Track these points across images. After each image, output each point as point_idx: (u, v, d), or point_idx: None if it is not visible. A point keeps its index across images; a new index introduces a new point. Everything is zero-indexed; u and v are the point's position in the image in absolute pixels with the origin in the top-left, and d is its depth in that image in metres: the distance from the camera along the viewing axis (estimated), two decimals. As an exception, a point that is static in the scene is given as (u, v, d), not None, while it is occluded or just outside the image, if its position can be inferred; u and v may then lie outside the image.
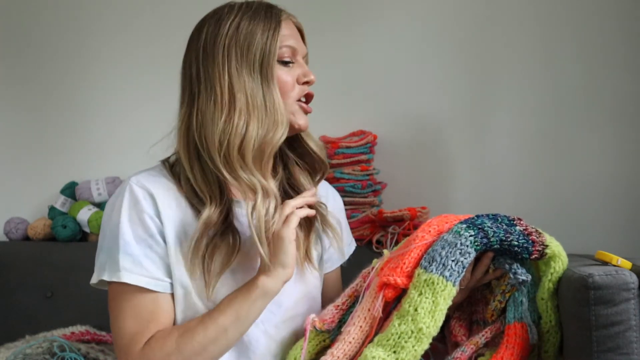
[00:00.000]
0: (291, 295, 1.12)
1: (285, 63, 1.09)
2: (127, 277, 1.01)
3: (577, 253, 1.37)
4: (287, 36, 1.09)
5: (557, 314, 1.01)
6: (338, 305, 1.10)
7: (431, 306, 0.95)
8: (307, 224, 1.16)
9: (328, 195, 1.27)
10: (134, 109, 2.03)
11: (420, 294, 0.96)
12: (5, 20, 2.11)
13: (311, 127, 1.84)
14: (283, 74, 1.08)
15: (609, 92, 1.71)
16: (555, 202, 1.73)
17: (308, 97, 1.13)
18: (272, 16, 1.08)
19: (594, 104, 1.72)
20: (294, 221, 1.04)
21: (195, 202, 1.06)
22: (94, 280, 1.07)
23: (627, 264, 0.98)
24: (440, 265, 0.97)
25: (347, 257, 1.28)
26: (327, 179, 1.76)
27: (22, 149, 2.10)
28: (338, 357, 0.99)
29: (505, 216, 1.06)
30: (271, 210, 1.04)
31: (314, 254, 1.18)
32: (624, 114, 1.70)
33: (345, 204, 1.73)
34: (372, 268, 1.10)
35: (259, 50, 1.05)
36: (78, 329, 1.64)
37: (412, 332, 0.94)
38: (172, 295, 1.06)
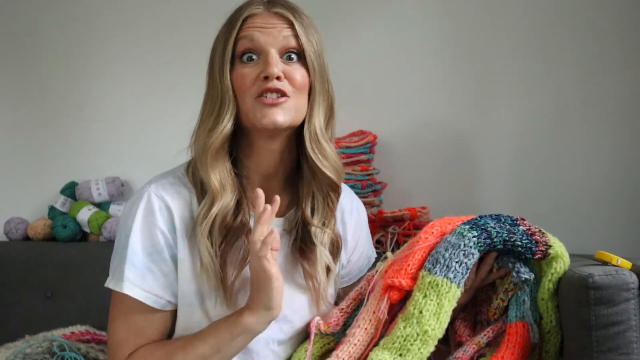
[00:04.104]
0: (304, 317, 1.11)
1: (244, 61, 1.03)
2: (128, 289, 1.02)
3: (577, 253, 1.37)
4: (248, 30, 1.03)
5: (557, 314, 1.01)
6: (342, 309, 1.10)
7: (436, 308, 0.95)
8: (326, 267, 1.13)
9: (352, 208, 1.24)
10: (134, 109, 2.03)
11: (425, 296, 0.96)
12: (5, 20, 2.11)
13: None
14: (240, 71, 1.03)
15: (609, 93, 1.71)
16: (555, 202, 1.73)
17: (267, 91, 1.01)
18: (233, 16, 1.06)
19: (594, 104, 1.72)
20: (268, 255, 0.95)
21: None
22: (107, 282, 1.07)
23: (627, 264, 0.98)
24: (444, 267, 0.97)
25: (365, 271, 1.26)
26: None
27: (22, 149, 2.10)
28: (343, 359, 0.99)
29: (508, 216, 1.06)
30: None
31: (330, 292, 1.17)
32: (624, 114, 1.70)
33: (345, 204, 1.74)
34: (376, 271, 1.10)
35: (218, 54, 1.05)
36: (78, 328, 1.64)
37: (418, 334, 0.94)
38: (170, 312, 1.06)
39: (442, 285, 0.96)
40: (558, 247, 1.02)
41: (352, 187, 1.73)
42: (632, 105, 1.69)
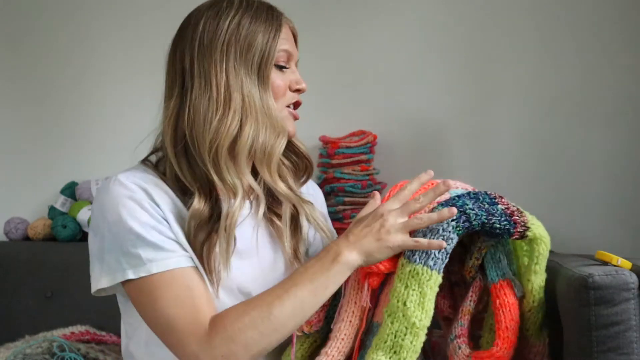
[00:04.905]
0: None
1: (280, 67, 1.07)
2: (156, 267, 0.96)
3: (577, 253, 1.37)
4: (284, 40, 1.07)
5: (541, 293, 1.00)
6: None
7: (419, 298, 0.93)
8: (293, 222, 1.13)
9: (309, 187, 1.24)
10: (134, 109, 2.03)
11: (407, 286, 0.94)
12: (5, 20, 2.11)
13: (311, 127, 1.85)
14: (277, 79, 1.06)
15: (609, 92, 1.71)
16: (555, 202, 1.73)
17: (296, 105, 1.12)
18: (274, 18, 1.07)
19: (594, 104, 1.72)
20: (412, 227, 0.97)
21: (186, 197, 1.03)
22: (103, 284, 0.99)
23: (627, 264, 0.98)
24: (424, 254, 0.95)
25: None
26: (327, 179, 1.77)
27: (22, 149, 2.10)
28: (333, 356, 0.98)
29: (486, 194, 1.03)
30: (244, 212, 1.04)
31: (302, 249, 1.15)
32: (624, 113, 1.70)
33: (345, 204, 1.74)
34: None
35: (259, 51, 1.03)
36: (78, 329, 1.64)
37: (407, 328, 0.93)
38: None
39: (422, 274, 0.94)
40: (536, 229, 0.99)
41: (352, 187, 1.73)
42: (632, 106, 1.69)
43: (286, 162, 1.15)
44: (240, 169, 1.03)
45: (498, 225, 0.98)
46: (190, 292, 0.98)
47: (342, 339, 0.99)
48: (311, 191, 1.25)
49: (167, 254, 0.98)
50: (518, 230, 0.98)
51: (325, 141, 1.80)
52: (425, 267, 0.94)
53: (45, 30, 2.09)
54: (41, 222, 1.97)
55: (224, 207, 1.02)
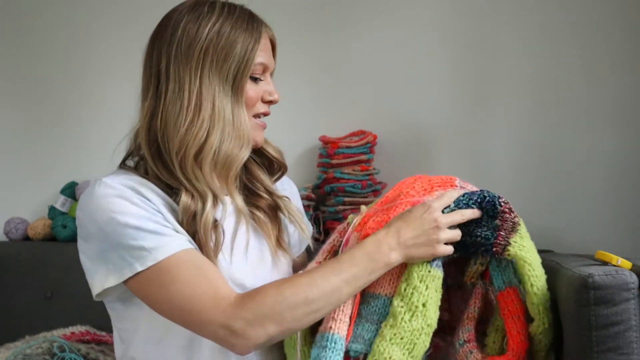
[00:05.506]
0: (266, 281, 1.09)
1: (254, 79, 1.07)
2: (162, 253, 0.95)
3: (577, 253, 1.37)
4: (262, 52, 1.06)
5: (549, 316, 1.00)
6: (320, 262, 1.09)
7: (435, 300, 0.98)
8: (272, 213, 1.15)
9: (283, 183, 1.26)
10: (134, 109, 2.02)
11: (427, 287, 0.98)
12: (5, 20, 2.11)
13: (311, 127, 1.85)
14: (250, 90, 1.06)
15: (608, 92, 1.71)
16: (554, 202, 1.73)
17: (264, 115, 1.12)
18: (254, 28, 1.05)
19: (593, 104, 1.72)
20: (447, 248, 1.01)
21: (173, 191, 1.03)
22: (110, 283, 0.98)
23: (627, 264, 0.98)
24: (439, 260, 1.00)
25: (309, 240, 1.25)
26: (327, 179, 1.77)
27: (22, 149, 2.10)
28: (341, 320, 0.99)
29: (493, 205, 1.02)
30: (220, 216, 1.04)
31: (285, 239, 1.17)
32: (624, 113, 1.70)
33: (345, 204, 1.74)
34: (348, 224, 1.10)
35: (236, 62, 1.03)
36: (78, 329, 1.64)
37: (423, 328, 0.96)
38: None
39: (437, 278, 0.99)
40: (515, 249, 0.99)
41: (352, 187, 1.73)
42: (632, 106, 1.69)
43: (259, 160, 1.16)
44: (205, 176, 1.03)
45: (479, 233, 1.01)
46: (201, 270, 0.97)
47: (345, 303, 1.00)
48: (286, 186, 1.27)
49: (169, 238, 0.97)
50: (499, 242, 1.00)
51: (325, 141, 1.80)
52: (440, 272, 1.00)
53: (45, 30, 2.09)
54: (41, 222, 1.97)
55: (198, 207, 1.02)
